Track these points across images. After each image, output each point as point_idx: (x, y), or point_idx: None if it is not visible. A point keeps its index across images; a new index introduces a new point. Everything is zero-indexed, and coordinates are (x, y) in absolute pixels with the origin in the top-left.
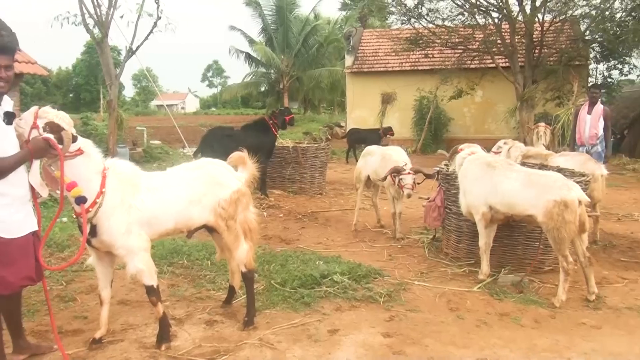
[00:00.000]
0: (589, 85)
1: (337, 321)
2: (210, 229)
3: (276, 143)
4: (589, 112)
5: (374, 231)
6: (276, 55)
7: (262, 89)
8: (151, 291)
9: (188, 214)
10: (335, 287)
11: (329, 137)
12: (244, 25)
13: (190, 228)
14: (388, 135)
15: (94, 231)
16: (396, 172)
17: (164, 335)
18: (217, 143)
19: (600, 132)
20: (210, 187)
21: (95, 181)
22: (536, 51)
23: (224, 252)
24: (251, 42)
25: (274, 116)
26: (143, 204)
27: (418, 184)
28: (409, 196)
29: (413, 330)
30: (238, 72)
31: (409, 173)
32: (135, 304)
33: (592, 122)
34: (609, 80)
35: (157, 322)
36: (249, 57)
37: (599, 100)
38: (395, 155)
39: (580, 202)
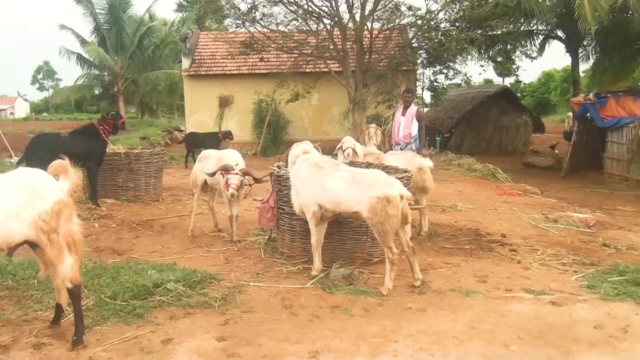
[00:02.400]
0: (403, 89)
1: (171, 330)
2: (32, 245)
3: (107, 149)
4: (403, 114)
5: (211, 236)
6: (110, 56)
7: (96, 92)
8: None
9: (6, 229)
10: (169, 295)
11: (168, 141)
12: (75, 24)
13: (10, 245)
14: (227, 139)
15: None
16: (225, 170)
17: None
18: (42, 151)
19: (414, 132)
20: (30, 199)
21: None
22: (366, 57)
23: (48, 268)
24: (83, 42)
25: (103, 121)
26: None
27: (249, 185)
28: (232, 195)
29: (248, 331)
30: (71, 74)
31: (236, 173)
32: None
33: (405, 123)
34: (435, 84)
35: None
36: (80, 59)
37: (413, 102)
38: (230, 157)
39: (402, 196)
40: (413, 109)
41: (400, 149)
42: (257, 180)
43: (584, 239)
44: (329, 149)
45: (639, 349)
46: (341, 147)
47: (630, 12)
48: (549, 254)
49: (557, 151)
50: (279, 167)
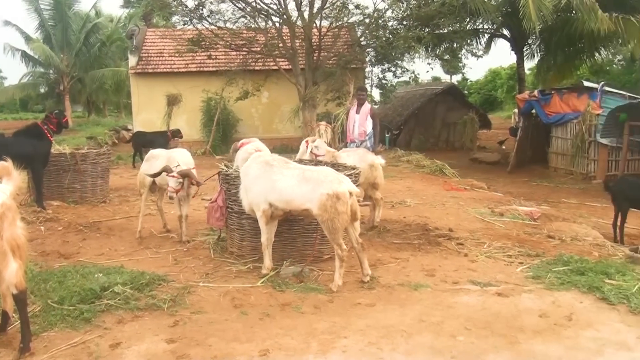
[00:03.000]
0: (357, 87)
1: (119, 334)
2: None
3: (52, 149)
4: (357, 112)
5: (160, 237)
6: (55, 54)
7: (42, 90)
8: None
9: None
10: (117, 298)
11: (116, 141)
12: (20, 21)
13: None
14: (176, 138)
15: None
16: (165, 171)
17: None
18: None
19: (369, 129)
20: None
21: None
22: (315, 55)
23: None
24: (28, 39)
25: (48, 120)
26: None
27: (196, 184)
28: (171, 198)
29: (197, 332)
30: (16, 73)
31: (172, 176)
32: None
33: (360, 121)
34: (383, 82)
35: None
36: (25, 56)
37: (366, 100)
38: (180, 157)
39: (351, 193)
40: (367, 106)
41: (356, 147)
42: (197, 183)
43: (529, 232)
44: (280, 146)
45: (582, 335)
46: (312, 150)
47: (573, 11)
48: (495, 247)
49: (504, 147)
50: (227, 165)
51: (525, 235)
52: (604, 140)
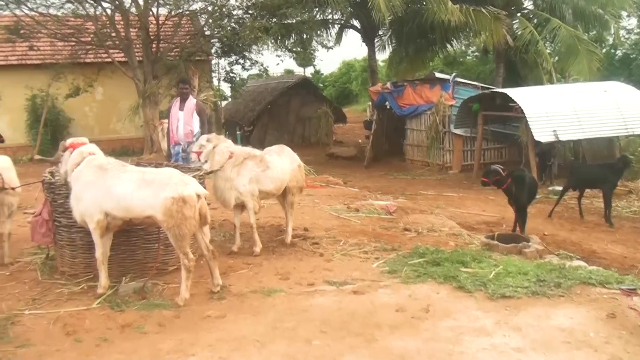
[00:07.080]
0: (178, 80)
1: None
2: None
3: None
4: (181, 108)
5: None
6: None
7: None
8: None
9: None
10: None
11: None
12: None
13: None
14: None
15: None
16: None
17: None
18: None
19: (196, 128)
20: None
21: None
22: (154, 45)
23: None
24: None
25: None
26: None
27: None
28: None
29: None
30: None
31: None
32: None
33: (185, 119)
34: (232, 75)
35: None
36: None
37: (190, 95)
38: None
39: (198, 196)
40: (192, 102)
41: (183, 150)
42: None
43: (385, 226)
44: (120, 149)
45: (440, 326)
46: None
47: (424, 2)
48: (351, 244)
49: (359, 141)
50: (52, 173)
51: (381, 230)
52: (458, 131)
